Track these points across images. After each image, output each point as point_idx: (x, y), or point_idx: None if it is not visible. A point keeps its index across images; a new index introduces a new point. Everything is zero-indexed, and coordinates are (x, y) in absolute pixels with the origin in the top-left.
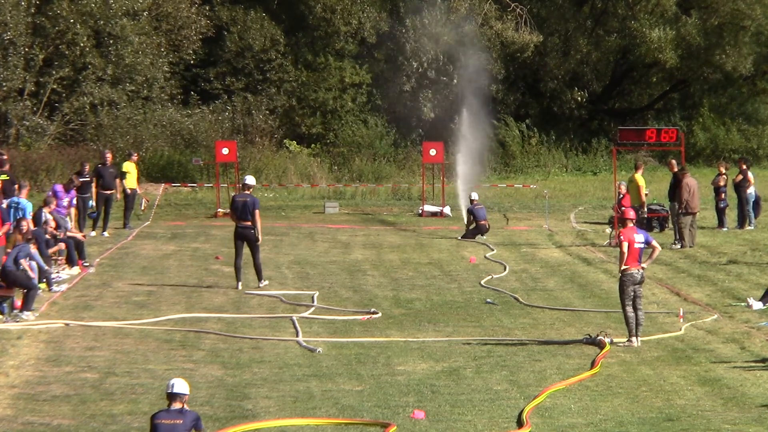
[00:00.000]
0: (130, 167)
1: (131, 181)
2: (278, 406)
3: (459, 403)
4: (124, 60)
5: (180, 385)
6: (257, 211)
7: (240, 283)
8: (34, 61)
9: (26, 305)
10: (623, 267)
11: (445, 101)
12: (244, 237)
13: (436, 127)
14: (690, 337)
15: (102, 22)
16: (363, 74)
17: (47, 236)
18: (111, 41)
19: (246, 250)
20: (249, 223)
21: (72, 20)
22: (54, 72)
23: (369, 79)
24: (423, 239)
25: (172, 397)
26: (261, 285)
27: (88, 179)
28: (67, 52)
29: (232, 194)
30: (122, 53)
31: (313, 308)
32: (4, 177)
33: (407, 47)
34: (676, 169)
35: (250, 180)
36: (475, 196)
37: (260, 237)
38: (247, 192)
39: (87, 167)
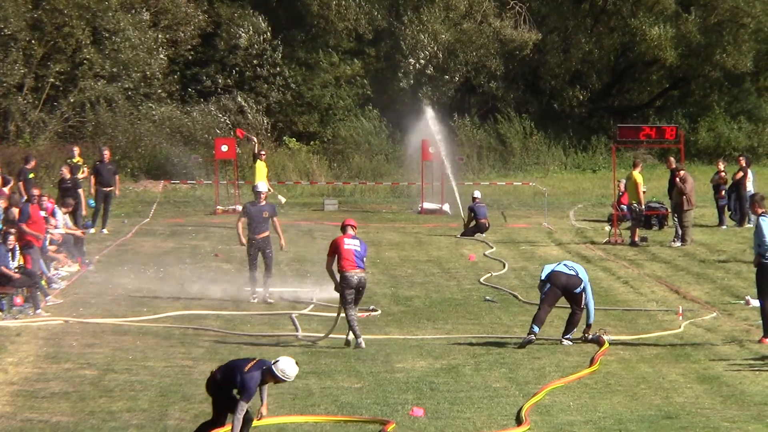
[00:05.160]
0: (261, 166)
1: (261, 179)
2: (277, 403)
3: (458, 401)
4: (121, 54)
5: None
6: (277, 219)
7: (256, 296)
8: (33, 56)
9: (33, 300)
10: None
11: (444, 98)
12: (260, 248)
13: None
14: (689, 335)
15: (100, 15)
16: (358, 68)
17: (49, 235)
18: (107, 35)
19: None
20: (266, 235)
21: (69, 14)
22: (52, 66)
23: (364, 74)
24: (422, 237)
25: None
26: (263, 295)
27: (70, 185)
28: (64, 47)
29: (246, 203)
30: (119, 47)
31: (312, 305)
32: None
33: (405, 44)
34: (674, 166)
35: (262, 186)
36: (477, 194)
37: (284, 244)
38: (262, 201)
39: (64, 171)
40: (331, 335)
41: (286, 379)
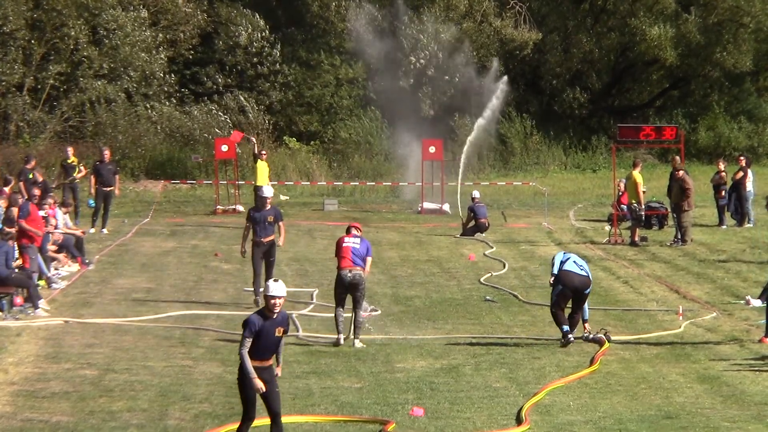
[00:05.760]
0: (262, 166)
1: (263, 179)
2: None
3: (458, 401)
4: (120, 53)
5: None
6: (282, 223)
7: (259, 297)
8: (32, 56)
9: (32, 300)
10: None
11: (444, 98)
12: (265, 251)
13: (436, 125)
14: (689, 335)
15: (97, 12)
16: (358, 70)
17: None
18: (106, 34)
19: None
20: (272, 238)
21: (68, 14)
22: (52, 67)
23: (365, 74)
24: (422, 237)
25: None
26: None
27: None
28: (63, 47)
29: (249, 208)
30: (118, 44)
31: (312, 305)
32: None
33: (405, 44)
34: (677, 165)
35: (268, 191)
36: (476, 194)
37: (282, 243)
38: (267, 205)
39: (37, 174)
40: (331, 336)
41: (273, 294)
